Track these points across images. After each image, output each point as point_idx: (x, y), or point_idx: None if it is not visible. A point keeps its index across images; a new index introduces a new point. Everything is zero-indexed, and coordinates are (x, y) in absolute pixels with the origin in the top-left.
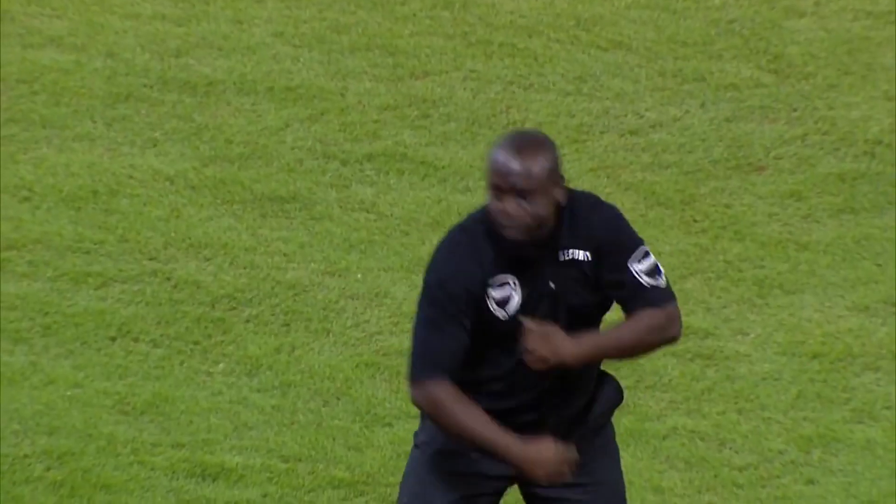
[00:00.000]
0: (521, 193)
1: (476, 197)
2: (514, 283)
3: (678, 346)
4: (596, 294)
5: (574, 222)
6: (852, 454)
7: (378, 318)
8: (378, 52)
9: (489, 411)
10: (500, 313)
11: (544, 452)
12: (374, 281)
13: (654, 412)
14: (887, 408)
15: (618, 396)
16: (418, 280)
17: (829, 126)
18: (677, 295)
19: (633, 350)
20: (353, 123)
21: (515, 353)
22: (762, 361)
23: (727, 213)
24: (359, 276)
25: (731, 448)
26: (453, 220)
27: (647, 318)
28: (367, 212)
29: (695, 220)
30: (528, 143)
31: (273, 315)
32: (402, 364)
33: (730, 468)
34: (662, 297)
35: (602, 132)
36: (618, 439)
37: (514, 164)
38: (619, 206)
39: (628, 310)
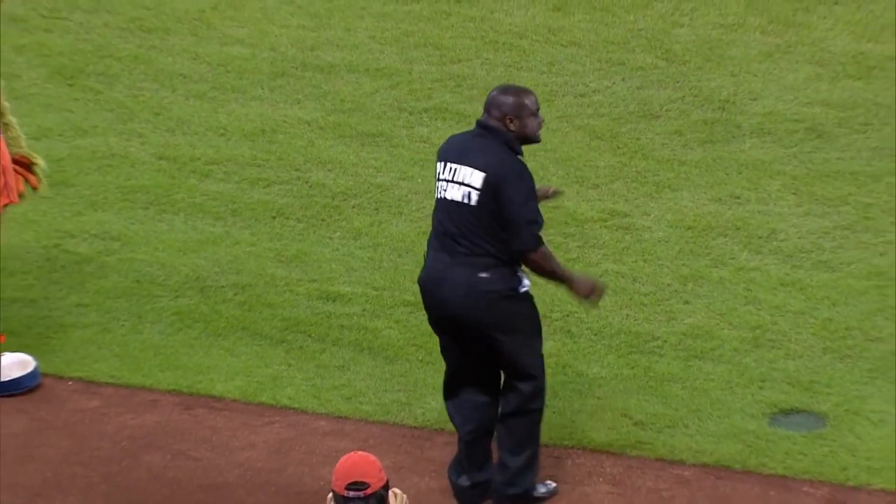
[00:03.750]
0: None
1: None
2: None
3: (609, 222)
4: None
5: None
6: (710, 286)
7: (431, 206)
8: (430, 48)
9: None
10: None
11: (592, 282)
12: (429, 184)
13: (594, 261)
14: (733, 255)
15: (492, 285)
16: None
17: (697, 92)
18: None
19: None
20: (416, 90)
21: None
22: (658, 231)
23: (637, 143)
24: (419, 180)
25: (639, 282)
26: None
27: None
28: (424, 143)
29: (618, 148)
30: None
31: (369, 204)
32: None
33: (639, 294)
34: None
35: (563, 96)
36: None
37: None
38: (573, 141)
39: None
